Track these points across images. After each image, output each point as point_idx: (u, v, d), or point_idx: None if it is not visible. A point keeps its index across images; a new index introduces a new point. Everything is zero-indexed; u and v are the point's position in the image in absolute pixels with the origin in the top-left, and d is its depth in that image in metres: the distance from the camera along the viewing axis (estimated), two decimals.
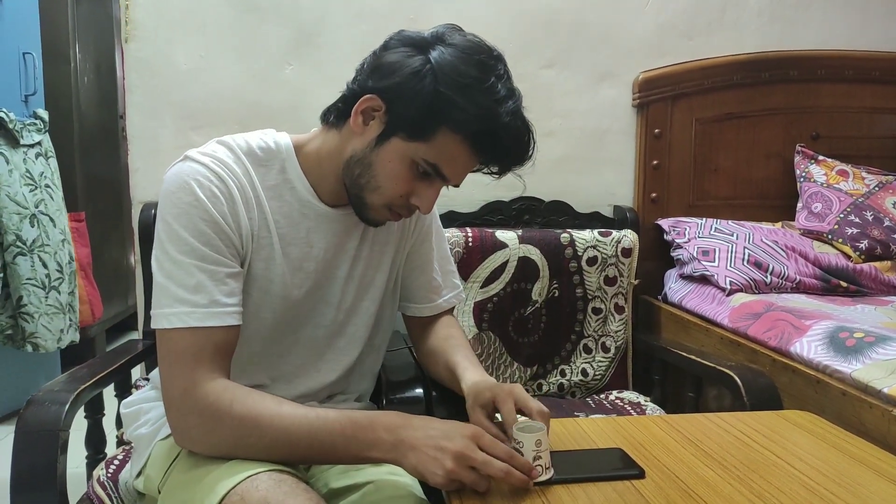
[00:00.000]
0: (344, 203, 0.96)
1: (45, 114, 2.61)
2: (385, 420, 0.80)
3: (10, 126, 2.35)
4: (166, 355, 0.83)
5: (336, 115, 0.94)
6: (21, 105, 2.57)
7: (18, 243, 2.34)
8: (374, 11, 1.85)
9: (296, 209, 0.95)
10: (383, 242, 1.04)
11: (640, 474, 0.84)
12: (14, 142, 2.39)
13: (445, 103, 0.83)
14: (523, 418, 0.87)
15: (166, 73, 1.79)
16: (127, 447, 1.18)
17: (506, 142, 0.87)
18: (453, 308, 1.20)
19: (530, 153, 0.90)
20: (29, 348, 2.37)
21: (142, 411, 1.04)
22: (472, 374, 0.98)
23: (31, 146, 2.48)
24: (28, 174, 2.42)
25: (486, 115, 0.84)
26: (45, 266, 2.42)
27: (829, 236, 1.87)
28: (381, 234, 1.03)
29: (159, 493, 0.89)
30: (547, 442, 0.81)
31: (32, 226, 2.39)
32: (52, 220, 2.50)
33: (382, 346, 1.13)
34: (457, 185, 0.92)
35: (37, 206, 2.43)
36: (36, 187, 2.45)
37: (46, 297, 2.42)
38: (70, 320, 2.58)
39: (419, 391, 1.18)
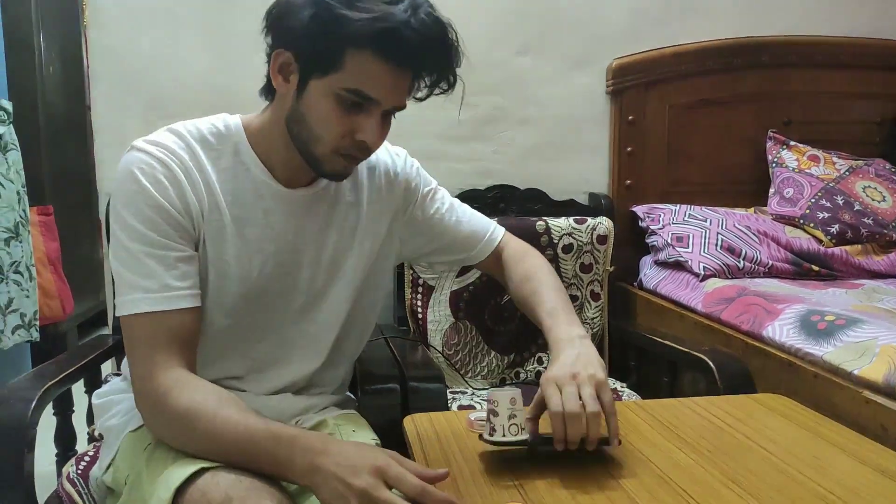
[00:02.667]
0: (302, 183, 0.96)
1: (8, 104, 2.52)
2: (305, 441, 0.76)
3: None
4: (127, 343, 0.86)
5: (267, 88, 0.95)
6: None
7: None
8: None
9: (250, 190, 0.94)
10: (352, 227, 1.02)
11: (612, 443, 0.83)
12: None
13: (334, 22, 0.80)
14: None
15: (132, 61, 1.75)
16: (98, 443, 1.16)
17: (412, 38, 0.80)
18: (504, 235, 1.15)
19: (451, 48, 0.85)
20: None
21: (113, 402, 1.02)
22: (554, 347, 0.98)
23: None
24: None
25: (380, 17, 0.79)
26: None
27: (801, 221, 1.89)
28: (350, 217, 1.01)
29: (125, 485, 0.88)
30: (521, 402, 0.83)
31: None
32: None
33: (361, 336, 1.10)
34: (398, 107, 0.88)
35: None
36: None
37: None
38: (21, 319, 2.51)
39: (394, 385, 1.19)
